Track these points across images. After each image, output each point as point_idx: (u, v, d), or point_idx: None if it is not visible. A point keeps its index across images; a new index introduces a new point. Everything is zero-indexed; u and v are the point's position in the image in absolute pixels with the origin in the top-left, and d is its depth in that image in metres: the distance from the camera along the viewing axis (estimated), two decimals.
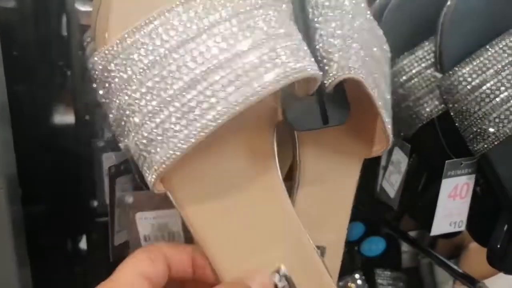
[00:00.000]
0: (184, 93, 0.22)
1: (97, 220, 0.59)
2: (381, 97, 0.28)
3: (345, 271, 0.64)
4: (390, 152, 0.47)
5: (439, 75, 0.38)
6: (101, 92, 0.24)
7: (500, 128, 0.34)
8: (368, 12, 0.31)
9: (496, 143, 0.35)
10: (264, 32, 0.22)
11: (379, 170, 0.50)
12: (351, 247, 0.66)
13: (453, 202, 0.39)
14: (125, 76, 0.23)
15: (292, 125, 0.26)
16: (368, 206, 0.63)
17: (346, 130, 0.30)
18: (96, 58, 0.24)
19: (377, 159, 0.52)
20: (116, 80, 0.23)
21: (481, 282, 0.45)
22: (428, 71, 0.41)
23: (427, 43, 0.41)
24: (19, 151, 0.40)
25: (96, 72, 0.24)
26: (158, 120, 0.22)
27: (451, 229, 0.40)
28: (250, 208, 0.27)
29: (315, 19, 0.26)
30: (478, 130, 0.36)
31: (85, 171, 0.58)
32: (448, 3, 0.37)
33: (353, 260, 0.66)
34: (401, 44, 0.43)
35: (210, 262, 0.26)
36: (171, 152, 0.22)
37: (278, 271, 0.26)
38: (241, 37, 0.22)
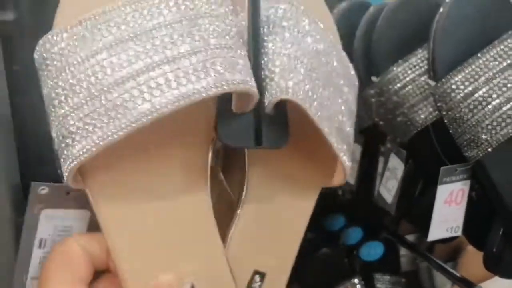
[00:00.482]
0: (111, 90, 0.22)
1: None
2: (333, 125, 0.27)
3: (344, 276, 0.64)
4: (386, 159, 0.48)
5: (432, 82, 0.38)
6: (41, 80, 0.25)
7: (493, 135, 0.35)
8: (336, 42, 0.31)
9: (489, 149, 0.36)
10: (204, 41, 0.23)
11: (376, 176, 0.51)
12: (350, 251, 0.67)
13: (449, 208, 0.40)
14: (59, 65, 0.23)
15: (222, 140, 0.25)
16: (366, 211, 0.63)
17: (303, 155, 0.30)
18: (37, 46, 0.24)
19: (375, 165, 0.53)
20: (50, 68, 0.23)
21: (478, 286, 0.46)
22: (422, 79, 0.41)
23: (420, 51, 0.41)
24: (20, 163, 0.40)
25: (36, 58, 0.25)
26: (81, 114, 0.22)
27: (448, 235, 0.41)
28: (169, 220, 0.26)
29: (266, 37, 0.26)
30: (472, 137, 0.36)
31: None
32: (441, 10, 0.38)
33: (352, 264, 0.66)
34: (395, 52, 0.44)
35: (117, 271, 0.25)
36: (88, 147, 0.22)
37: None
38: (180, 42, 0.22)
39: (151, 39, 0.23)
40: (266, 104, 0.25)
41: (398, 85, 0.42)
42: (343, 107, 0.29)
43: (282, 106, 0.26)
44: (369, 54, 0.45)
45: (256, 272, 0.29)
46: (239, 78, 0.23)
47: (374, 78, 0.44)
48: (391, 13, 0.43)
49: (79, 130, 0.22)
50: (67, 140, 0.23)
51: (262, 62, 0.25)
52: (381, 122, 0.45)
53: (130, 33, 0.23)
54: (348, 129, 0.29)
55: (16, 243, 0.29)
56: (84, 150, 0.22)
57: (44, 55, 0.24)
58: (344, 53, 0.31)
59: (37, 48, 0.24)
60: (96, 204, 0.25)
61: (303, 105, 0.25)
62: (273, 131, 0.26)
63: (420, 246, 0.72)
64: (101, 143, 0.22)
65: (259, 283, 0.29)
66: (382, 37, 0.44)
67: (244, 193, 0.29)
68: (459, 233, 0.41)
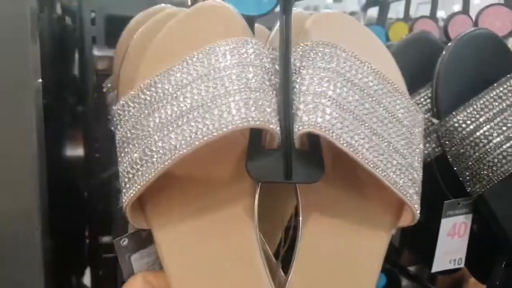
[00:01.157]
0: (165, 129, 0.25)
1: (104, 256, 0.60)
2: (383, 158, 0.27)
3: None
4: None
5: (435, 120, 0.40)
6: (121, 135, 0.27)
7: (494, 171, 0.37)
8: (397, 84, 0.30)
9: (490, 185, 0.37)
10: (227, 87, 0.25)
11: None
12: None
13: (452, 241, 0.41)
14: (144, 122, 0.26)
15: (249, 173, 0.26)
16: None
17: (369, 199, 0.29)
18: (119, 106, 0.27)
19: None
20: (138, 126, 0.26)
21: None
22: (425, 116, 0.44)
23: (423, 90, 0.44)
24: None
25: (119, 113, 0.27)
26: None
27: (451, 266, 0.42)
28: (218, 261, 0.27)
29: (294, 76, 0.27)
30: (474, 173, 0.38)
31: (95, 206, 0.60)
32: (443, 53, 0.41)
33: None
34: None
35: None
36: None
37: None
38: (205, 92, 0.26)
39: (204, 83, 0.26)
40: (294, 139, 0.26)
41: None
42: (398, 144, 0.28)
43: (315, 142, 0.27)
44: None
45: None
46: (257, 116, 0.24)
47: None
48: (395, 55, 0.46)
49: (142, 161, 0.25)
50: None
51: (292, 101, 0.26)
52: None
53: (183, 82, 0.26)
54: (406, 164, 0.28)
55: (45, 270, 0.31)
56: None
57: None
58: (406, 95, 0.30)
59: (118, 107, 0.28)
60: (156, 240, 0.27)
61: (333, 138, 0.25)
62: (305, 165, 0.26)
63: (422, 277, 0.73)
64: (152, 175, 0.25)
65: None
66: None
67: (299, 233, 0.28)
68: (462, 264, 0.43)
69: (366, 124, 0.27)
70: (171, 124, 0.25)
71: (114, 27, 0.46)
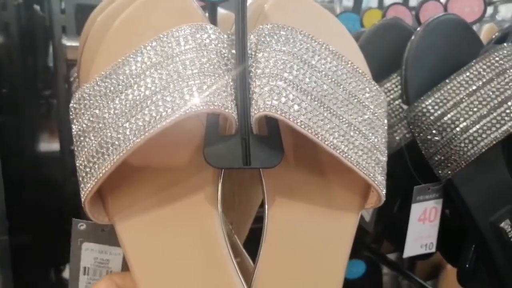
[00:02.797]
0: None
1: None
2: (343, 139, 0.26)
3: None
4: None
5: (405, 106, 0.40)
6: (78, 126, 0.27)
7: (461, 155, 0.37)
8: (362, 67, 0.30)
9: (459, 169, 0.38)
10: (180, 73, 0.25)
11: None
12: None
13: (422, 226, 0.41)
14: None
15: (207, 160, 0.25)
16: None
17: (335, 180, 0.29)
18: (77, 94, 0.26)
19: None
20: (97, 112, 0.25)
21: None
22: (396, 102, 0.44)
23: (394, 76, 0.44)
24: (4, 181, 0.41)
25: (75, 106, 0.27)
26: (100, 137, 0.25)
27: (422, 251, 0.43)
28: (183, 251, 0.27)
29: (251, 61, 0.27)
30: (442, 158, 0.38)
31: (70, 199, 0.59)
32: (412, 38, 0.41)
33: None
34: (372, 77, 0.46)
35: None
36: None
37: None
38: (158, 80, 0.25)
39: (166, 67, 0.25)
40: (252, 124, 0.25)
41: None
42: (360, 125, 0.28)
43: (274, 126, 0.26)
44: None
45: None
46: (208, 101, 0.24)
47: None
48: (366, 41, 0.46)
49: (98, 154, 0.25)
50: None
51: (249, 85, 0.26)
52: None
53: (139, 72, 0.26)
54: (369, 145, 0.28)
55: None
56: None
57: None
58: (367, 76, 0.30)
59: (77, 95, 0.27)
60: (119, 235, 0.27)
61: (291, 121, 0.25)
62: (263, 150, 0.26)
63: (402, 264, 0.73)
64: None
65: None
66: None
67: (265, 219, 0.28)
68: (433, 249, 0.43)
69: (325, 106, 0.26)
70: (125, 114, 0.25)
71: (85, 16, 0.45)
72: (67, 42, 0.53)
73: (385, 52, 0.45)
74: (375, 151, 0.28)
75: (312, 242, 0.28)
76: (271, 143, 0.26)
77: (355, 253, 0.68)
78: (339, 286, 0.28)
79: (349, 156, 0.26)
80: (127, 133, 0.24)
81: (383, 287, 0.74)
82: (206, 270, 0.27)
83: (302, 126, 0.25)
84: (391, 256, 0.69)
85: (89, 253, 0.32)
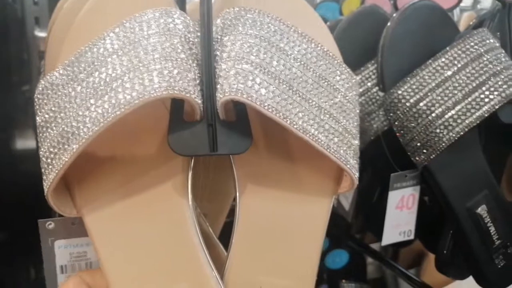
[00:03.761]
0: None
1: None
2: (313, 123, 0.26)
3: None
4: None
5: (381, 93, 0.40)
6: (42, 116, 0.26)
7: (437, 141, 0.37)
8: (333, 51, 0.29)
9: (434, 155, 0.38)
10: (141, 58, 0.24)
11: None
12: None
13: (400, 213, 0.41)
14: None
15: (171, 147, 0.25)
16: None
17: (303, 163, 0.29)
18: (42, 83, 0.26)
19: None
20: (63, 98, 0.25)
21: None
22: (374, 90, 0.44)
23: (371, 64, 0.44)
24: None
25: (39, 97, 0.26)
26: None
27: (401, 239, 0.43)
28: (152, 238, 0.26)
29: (217, 42, 0.26)
30: (418, 144, 0.38)
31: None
32: (388, 25, 0.40)
33: (319, 273, 0.67)
34: (349, 66, 0.46)
35: None
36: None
37: None
38: (119, 66, 0.24)
39: (127, 54, 0.24)
40: (218, 109, 0.25)
41: None
42: (331, 109, 0.27)
43: (241, 111, 0.26)
44: None
45: None
46: (167, 86, 0.23)
47: None
48: (343, 29, 0.46)
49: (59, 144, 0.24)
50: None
51: (215, 69, 0.25)
52: None
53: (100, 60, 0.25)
54: (341, 128, 0.27)
55: None
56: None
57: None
58: (338, 59, 0.29)
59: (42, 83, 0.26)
60: (87, 227, 0.26)
61: (259, 106, 0.24)
62: (231, 136, 0.25)
63: (386, 253, 0.74)
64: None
65: None
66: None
67: (238, 205, 0.27)
68: (411, 236, 0.43)
69: (294, 89, 0.26)
70: (85, 102, 0.24)
71: None
72: (40, 33, 0.51)
73: (363, 40, 0.45)
74: (346, 135, 0.27)
75: (285, 229, 0.28)
76: (239, 128, 0.25)
77: (338, 243, 0.68)
78: (314, 272, 0.28)
79: (320, 140, 0.26)
80: (87, 121, 0.23)
81: (367, 276, 0.74)
82: (176, 259, 0.26)
83: (270, 110, 0.24)
84: (376, 246, 0.69)
85: (63, 251, 0.31)
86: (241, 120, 0.26)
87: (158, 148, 0.28)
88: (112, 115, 0.23)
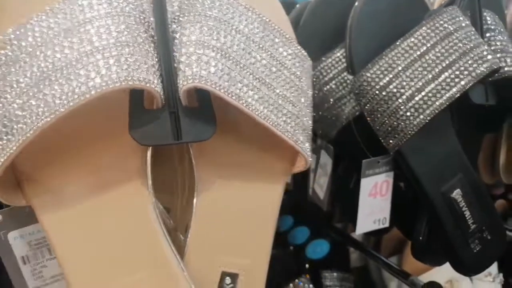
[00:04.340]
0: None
1: None
2: (273, 108, 0.26)
3: (292, 276, 0.64)
4: (318, 155, 0.48)
5: (350, 76, 0.39)
6: None
7: (408, 124, 0.36)
8: (286, 31, 0.29)
9: (405, 139, 0.36)
10: (94, 42, 0.22)
11: (310, 173, 0.51)
12: (297, 251, 0.67)
13: (374, 200, 0.40)
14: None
15: (134, 138, 0.24)
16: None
17: (263, 144, 0.29)
18: None
19: None
20: None
21: (413, 276, 0.46)
22: (343, 75, 0.42)
23: (340, 47, 0.42)
24: None
25: None
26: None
27: (375, 227, 0.41)
28: (111, 228, 0.26)
29: (175, 27, 0.25)
30: (389, 128, 0.37)
31: None
32: (355, 5, 0.39)
33: (300, 264, 0.66)
34: (319, 50, 0.44)
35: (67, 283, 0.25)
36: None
37: None
38: (69, 50, 0.22)
39: (78, 34, 0.23)
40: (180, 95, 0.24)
41: (322, 81, 0.43)
42: (287, 92, 0.27)
43: (204, 96, 0.25)
44: None
45: (225, 274, 0.27)
46: (127, 75, 0.22)
47: None
48: (311, 12, 0.44)
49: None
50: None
51: (173, 55, 0.24)
52: None
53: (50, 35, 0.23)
54: (296, 111, 0.27)
55: None
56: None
57: None
58: (294, 42, 0.29)
59: None
60: (38, 216, 0.25)
61: (221, 92, 0.24)
62: (195, 123, 0.24)
63: (368, 241, 0.73)
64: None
65: (231, 286, 0.28)
66: (305, 36, 0.44)
67: (196, 190, 0.28)
68: (386, 224, 0.42)
69: (254, 74, 0.25)
70: (31, 88, 0.22)
71: None
72: None
73: (331, 23, 0.43)
74: (301, 117, 0.27)
75: (242, 210, 0.29)
76: (202, 115, 0.25)
77: (318, 233, 0.67)
78: (268, 251, 0.29)
79: (278, 125, 0.26)
80: (34, 110, 0.22)
81: (351, 264, 0.74)
82: (136, 245, 0.26)
83: (233, 97, 0.24)
84: (359, 234, 0.68)
85: (19, 242, 0.29)
86: (204, 106, 0.25)
87: (115, 136, 0.26)
88: (64, 106, 0.21)
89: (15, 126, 0.22)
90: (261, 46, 0.26)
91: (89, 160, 0.26)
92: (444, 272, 0.59)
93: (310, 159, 0.28)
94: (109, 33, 0.23)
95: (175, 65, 0.24)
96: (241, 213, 0.28)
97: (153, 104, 0.24)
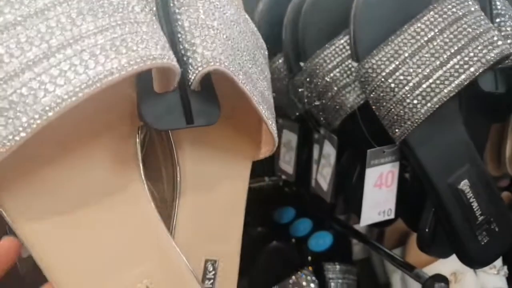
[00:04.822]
0: (4, 86, 0.19)
1: None
2: (260, 94, 0.26)
3: (294, 268, 0.63)
4: (321, 146, 0.47)
5: (355, 63, 0.38)
6: None
7: (415, 113, 0.35)
8: (239, 4, 0.29)
9: (412, 128, 0.35)
10: (109, 17, 0.21)
11: (313, 164, 0.50)
12: (300, 243, 0.66)
13: (379, 191, 0.39)
14: None
15: (148, 123, 0.23)
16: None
17: (230, 130, 0.29)
18: None
19: (312, 153, 0.52)
20: None
21: (417, 269, 0.46)
22: (347, 62, 0.41)
23: (344, 33, 0.41)
24: None
25: None
26: None
27: (380, 218, 0.40)
28: (106, 224, 0.24)
29: (177, 10, 0.24)
30: (395, 117, 0.36)
31: None
32: None
33: (302, 256, 0.66)
34: (322, 37, 0.43)
35: None
36: None
37: None
38: (80, 21, 0.20)
39: (44, 21, 0.20)
40: (191, 79, 0.23)
41: (326, 69, 0.41)
42: (261, 74, 0.28)
43: (207, 80, 0.24)
44: (297, 41, 0.45)
45: (208, 261, 0.28)
46: (156, 53, 0.21)
47: (302, 64, 0.43)
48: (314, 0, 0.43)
49: None
50: None
51: (179, 36, 0.24)
52: (313, 108, 0.44)
53: (17, 16, 0.20)
54: (268, 94, 0.28)
55: None
56: None
57: None
58: (249, 19, 0.29)
59: None
60: (16, 223, 0.22)
61: (233, 75, 0.24)
62: (203, 107, 0.24)
63: (371, 233, 0.72)
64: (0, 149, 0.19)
65: (213, 272, 0.28)
66: (308, 23, 0.43)
67: (177, 180, 0.27)
68: (392, 215, 0.41)
69: (245, 55, 0.25)
70: (22, 73, 0.20)
71: None
72: None
73: (335, 10, 0.42)
74: (270, 100, 0.28)
75: (217, 197, 0.29)
76: (209, 98, 0.25)
77: (321, 225, 0.66)
78: (240, 236, 0.29)
79: (263, 111, 0.26)
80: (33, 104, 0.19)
81: (354, 257, 0.73)
82: (138, 239, 0.25)
83: (243, 82, 0.24)
84: (362, 229, 0.67)
85: None
86: (207, 89, 0.24)
87: (105, 121, 0.25)
88: (85, 90, 0.19)
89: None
90: (241, 26, 0.26)
91: (77, 152, 0.24)
92: (448, 265, 0.58)
93: (276, 134, 0.28)
94: (124, 9, 0.22)
95: (186, 46, 0.23)
96: (218, 200, 0.29)
97: (162, 87, 0.24)
